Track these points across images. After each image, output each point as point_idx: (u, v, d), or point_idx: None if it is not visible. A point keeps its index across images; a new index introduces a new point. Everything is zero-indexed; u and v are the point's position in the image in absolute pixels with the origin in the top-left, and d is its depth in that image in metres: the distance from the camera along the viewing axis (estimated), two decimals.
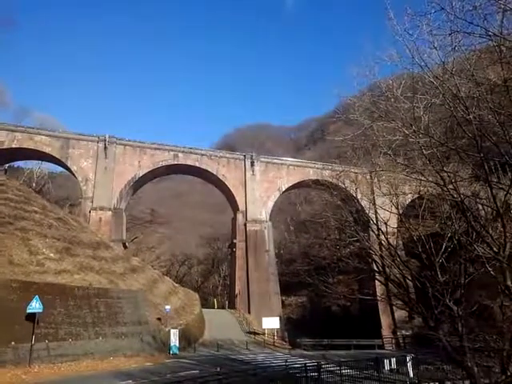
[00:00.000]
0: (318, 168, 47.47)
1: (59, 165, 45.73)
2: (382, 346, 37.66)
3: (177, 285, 38.43)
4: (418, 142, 9.74)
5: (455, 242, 14.62)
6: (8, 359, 15.10)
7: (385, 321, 42.29)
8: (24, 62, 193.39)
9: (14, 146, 40.99)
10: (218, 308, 49.35)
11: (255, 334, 34.83)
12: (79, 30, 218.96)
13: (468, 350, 13.23)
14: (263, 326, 34.83)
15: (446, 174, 10.34)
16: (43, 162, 53.06)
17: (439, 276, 14.54)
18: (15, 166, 60.29)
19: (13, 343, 15.50)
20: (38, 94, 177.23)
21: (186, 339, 26.05)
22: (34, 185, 54.48)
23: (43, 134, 42.59)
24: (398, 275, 16.52)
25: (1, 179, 28.71)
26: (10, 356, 15.29)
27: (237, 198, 46.40)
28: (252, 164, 47.50)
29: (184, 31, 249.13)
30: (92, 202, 41.02)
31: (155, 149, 45.67)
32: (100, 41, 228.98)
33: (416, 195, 16.89)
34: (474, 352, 13.89)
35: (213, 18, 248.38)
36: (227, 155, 49.54)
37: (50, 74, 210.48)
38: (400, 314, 38.97)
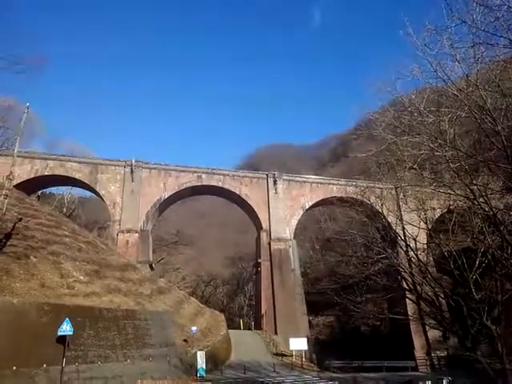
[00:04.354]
0: (341, 185, 47.07)
1: (88, 190, 47.32)
2: (415, 368, 36.00)
3: (203, 305, 38.31)
4: (445, 156, 9.58)
5: (489, 257, 14.07)
6: (40, 382, 15.30)
7: (417, 341, 40.53)
8: (52, 89, 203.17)
9: (46, 173, 42.94)
10: (244, 329, 48.72)
11: (282, 355, 34.08)
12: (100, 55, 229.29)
13: (510, 372, 12.51)
14: (290, 348, 34.05)
15: (475, 186, 10.10)
16: (73, 188, 55.10)
17: (474, 293, 13.98)
18: (47, 192, 62.77)
19: (44, 366, 15.71)
20: (66, 120, 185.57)
21: (213, 361, 25.74)
22: (64, 209, 56.49)
23: (73, 161, 44.50)
24: (429, 293, 15.98)
25: (35, 205, 29.86)
26: (42, 379, 15.49)
27: (260, 217, 46.37)
28: (275, 182, 47.57)
29: (199, 51, 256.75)
30: (119, 224, 42.00)
31: (179, 171, 46.61)
32: (117, 64, 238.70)
33: (445, 209, 16.45)
34: None
35: (231, 34, 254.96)
36: (249, 175, 49.89)
37: (76, 100, 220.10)
38: (433, 333, 37.30)
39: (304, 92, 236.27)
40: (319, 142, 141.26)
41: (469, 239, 15.44)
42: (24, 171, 41.57)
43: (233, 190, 47.11)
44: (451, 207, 15.67)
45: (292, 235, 46.43)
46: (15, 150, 22.35)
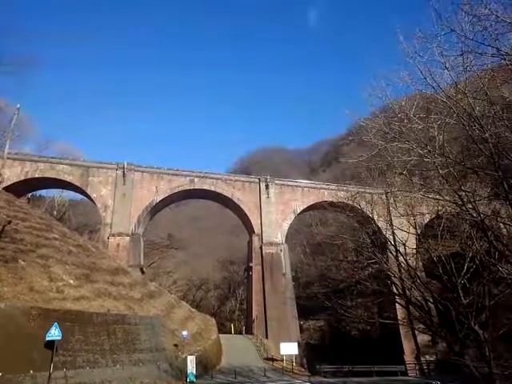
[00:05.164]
0: (332, 189, 47.28)
1: (80, 192, 46.81)
2: (405, 373, 36.14)
3: (194, 310, 38.09)
4: (434, 162, 9.72)
5: (477, 262, 14.27)
6: None
7: (407, 345, 40.77)
8: (43, 90, 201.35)
9: (36, 175, 42.36)
10: (235, 333, 48.52)
11: (273, 360, 33.98)
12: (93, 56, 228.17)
13: (497, 376, 12.65)
14: (281, 352, 33.96)
15: (463, 193, 10.24)
16: (64, 190, 54.47)
17: (462, 298, 14.13)
18: (37, 194, 61.98)
19: (31, 372, 15.41)
20: (58, 122, 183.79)
21: (203, 366, 25.57)
22: (55, 212, 55.80)
23: (64, 163, 43.96)
24: (418, 298, 16.12)
25: (24, 208, 29.46)
26: None
27: (252, 221, 46.37)
28: (267, 187, 47.67)
29: (196, 55, 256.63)
30: (111, 228, 41.63)
31: (172, 174, 46.44)
32: (111, 66, 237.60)
33: (434, 215, 16.65)
34: (504, 379, 13.24)
35: (226, 38, 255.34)
36: (242, 179, 49.97)
37: (69, 101, 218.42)
38: (423, 338, 37.59)
39: (297, 96, 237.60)
40: (311, 146, 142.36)
41: (457, 244, 15.65)
42: (14, 173, 41.00)
43: (225, 193, 47.06)
44: (440, 213, 15.86)
45: (283, 239, 46.51)
46: (5, 152, 22.11)
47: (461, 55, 8.85)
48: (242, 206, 46.98)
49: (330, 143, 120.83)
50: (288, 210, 47.84)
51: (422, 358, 39.03)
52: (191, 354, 23.93)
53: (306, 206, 48.80)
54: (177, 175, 46.52)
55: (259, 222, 46.28)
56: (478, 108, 9.22)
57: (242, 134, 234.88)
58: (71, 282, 21.89)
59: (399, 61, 10.22)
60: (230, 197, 47.10)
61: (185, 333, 25.77)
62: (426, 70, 9.34)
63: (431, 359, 38.54)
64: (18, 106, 21.64)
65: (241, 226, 52.96)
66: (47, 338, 15.96)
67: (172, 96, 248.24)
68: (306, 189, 49.78)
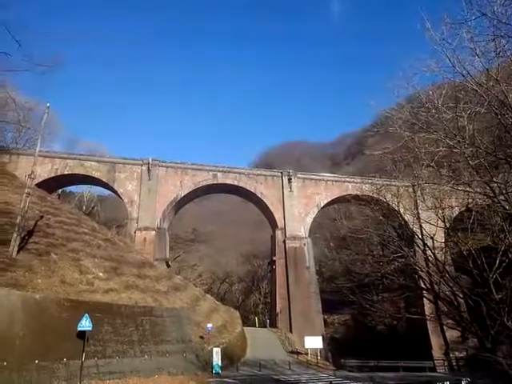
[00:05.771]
0: (356, 182, 46.55)
1: (107, 188, 48.16)
2: (433, 369, 35.41)
3: (218, 303, 38.58)
4: (464, 153, 9.39)
5: (510, 256, 13.76)
6: (61, 375, 15.67)
7: (435, 341, 39.88)
8: (70, 88, 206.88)
9: (66, 172, 43.90)
10: (259, 326, 48.85)
11: (298, 353, 34.04)
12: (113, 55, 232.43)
13: None
14: (306, 346, 33.96)
15: (495, 184, 9.87)
16: (92, 186, 56.19)
17: (494, 293, 13.68)
18: (67, 190, 64.23)
19: (65, 360, 16.08)
20: (84, 119, 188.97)
21: (228, 358, 25.90)
22: (84, 208, 57.67)
23: (92, 160, 45.38)
24: (447, 292, 15.72)
25: (55, 203, 30.56)
26: (63, 372, 15.86)
27: (275, 215, 46.37)
28: (289, 181, 47.48)
29: (218, 51, 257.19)
30: (137, 222, 42.66)
31: (195, 169, 46.98)
32: (130, 63, 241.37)
33: (464, 208, 16.14)
34: None
35: (245, 34, 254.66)
36: (264, 173, 49.94)
37: (93, 100, 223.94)
38: (452, 333, 36.65)
39: (319, 89, 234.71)
40: (334, 139, 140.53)
41: (488, 238, 15.14)
42: (45, 170, 42.58)
43: (248, 188, 47.23)
44: (470, 205, 15.35)
45: (307, 233, 46.29)
46: (36, 150, 22.89)
47: (493, 40, 8.47)
48: (264, 200, 47.03)
49: (353, 136, 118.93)
50: (311, 203, 47.53)
51: (451, 354, 38.13)
52: (216, 346, 24.28)
53: (329, 200, 48.34)
54: (200, 170, 47.02)
55: (282, 215, 46.24)
56: (511, 95, 8.83)
57: (264, 129, 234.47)
58: (100, 274, 22.58)
59: (425, 49, 9.89)
60: (252, 191, 47.23)
61: (210, 325, 26.14)
62: (454, 57, 9.01)
63: (461, 355, 37.58)
64: (48, 105, 22.34)
65: (264, 220, 53.06)
66: (79, 329, 16.55)
67: (193, 92, 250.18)
68: (329, 182, 49.31)
